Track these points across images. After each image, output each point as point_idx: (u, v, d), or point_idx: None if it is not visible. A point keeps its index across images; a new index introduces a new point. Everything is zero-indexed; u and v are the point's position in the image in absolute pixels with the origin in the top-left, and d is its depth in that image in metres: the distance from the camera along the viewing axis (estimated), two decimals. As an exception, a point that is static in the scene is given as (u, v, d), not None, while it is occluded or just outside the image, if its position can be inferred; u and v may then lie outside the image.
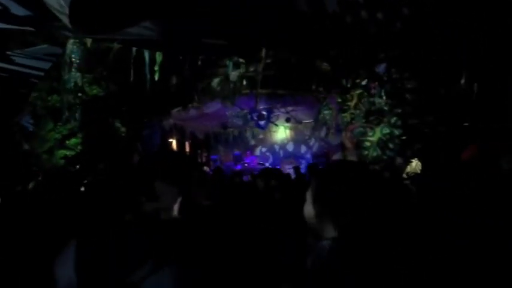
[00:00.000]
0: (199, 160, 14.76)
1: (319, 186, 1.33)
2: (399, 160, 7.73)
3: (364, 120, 8.44)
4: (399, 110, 8.14)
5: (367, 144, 8.30)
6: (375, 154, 8.18)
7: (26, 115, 8.11)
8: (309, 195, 1.33)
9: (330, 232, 1.25)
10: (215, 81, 9.28)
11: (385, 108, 8.26)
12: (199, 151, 14.81)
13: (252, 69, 8.71)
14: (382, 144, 8.22)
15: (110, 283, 1.21)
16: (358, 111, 8.52)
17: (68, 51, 5.60)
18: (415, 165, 7.78)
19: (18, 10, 4.65)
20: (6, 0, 4.43)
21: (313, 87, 9.14)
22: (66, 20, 4.50)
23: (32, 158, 8.54)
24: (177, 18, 3.67)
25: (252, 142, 14.78)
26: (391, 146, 8.14)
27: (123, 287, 1.21)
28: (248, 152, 14.32)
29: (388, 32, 5.71)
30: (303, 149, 14.62)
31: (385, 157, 8.14)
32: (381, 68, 7.83)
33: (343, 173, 1.32)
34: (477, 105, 7.13)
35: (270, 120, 12.15)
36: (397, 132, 8.13)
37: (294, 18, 5.12)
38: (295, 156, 14.40)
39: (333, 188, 1.28)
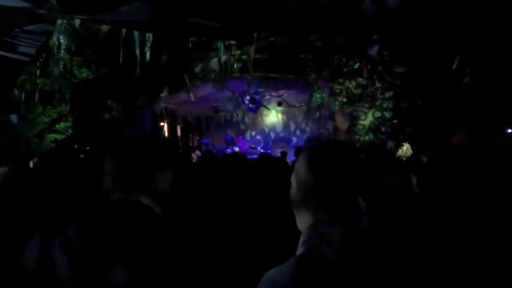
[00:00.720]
0: (191, 144, 14.72)
1: (307, 164, 1.26)
2: (390, 144, 7.75)
3: (356, 104, 8.43)
4: (391, 94, 8.13)
5: (359, 128, 8.30)
6: (366, 138, 8.19)
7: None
8: (293, 178, 1.26)
9: (321, 217, 1.20)
10: (206, 64, 9.18)
11: (377, 91, 8.24)
12: (190, 135, 14.76)
13: (243, 52, 8.62)
14: (374, 128, 8.23)
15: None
16: (350, 95, 8.50)
17: (56, 33, 5.48)
18: (406, 149, 7.81)
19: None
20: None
21: (306, 70, 9.08)
22: (53, 0, 4.41)
23: (21, 141, 8.45)
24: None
25: (243, 126, 14.77)
26: (383, 129, 8.15)
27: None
28: (240, 136, 14.29)
29: (383, 10, 5.66)
30: (294, 131, 14.64)
31: (377, 141, 8.15)
32: (374, 50, 7.79)
33: (334, 150, 1.26)
34: (469, 89, 7.14)
35: (261, 103, 12.10)
36: (388, 115, 8.14)
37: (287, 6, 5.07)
38: (286, 140, 14.42)
39: (322, 165, 1.22)
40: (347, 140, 8.52)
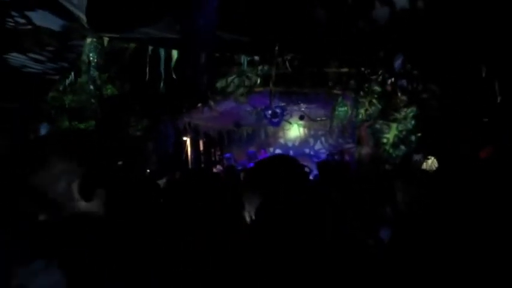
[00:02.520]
0: (213, 158, 14.79)
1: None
2: (417, 157, 7.64)
3: (380, 117, 8.36)
4: (415, 106, 8.05)
5: (384, 141, 8.22)
6: (391, 151, 8.10)
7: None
8: None
9: None
10: (229, 79, 9.26)
11: (401, 104, 8.17)
12: (212, 149, 14.84)
13: (266, 66, 8.66)
14: (398, 141, 8.14)
15: None
16: (373, 108, 8.44)
17: (85, 51, 5.63)
18: (431, 162, 7.69)
19: (33, 8, 4.68)
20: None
21: (328, 84, 9.07)
22: (83, 19, 4.52)
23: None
24: (196, 16, 3.67)
25: (265, 140, 14.77)
26: (407, 143, 8.06)
27: None
28: (262, 150, 14.28)
29: (406, 22, 5.62)
30: (318, 146, 14.57)
31: (401, 154, 8.05)
32: (397, 63, 7.74)
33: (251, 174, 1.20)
34: (497, 101, 7.01)
35: (283, 117, 12.10)
36: (411, 126, 8.05)
37: (309, 19, 5.09)
38: (307, 154, 14.33)
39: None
40: (371, 153, 8.45)
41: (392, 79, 8.01)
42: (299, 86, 9.65)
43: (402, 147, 8.04)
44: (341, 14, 5.46)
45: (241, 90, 9.35)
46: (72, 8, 4.44)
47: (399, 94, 8.11)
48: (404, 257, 2.30)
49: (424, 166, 7.68)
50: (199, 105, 10.06)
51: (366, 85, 8.47)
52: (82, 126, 9.07)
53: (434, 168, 7.43)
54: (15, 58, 5.84)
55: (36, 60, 5.88)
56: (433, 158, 7.66)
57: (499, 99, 6.83)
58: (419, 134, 8.05)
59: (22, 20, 4.88)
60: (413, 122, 8.00)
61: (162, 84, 7.41)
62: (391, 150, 8.10)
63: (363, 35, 6.40)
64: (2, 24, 4.85)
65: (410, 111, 8.01)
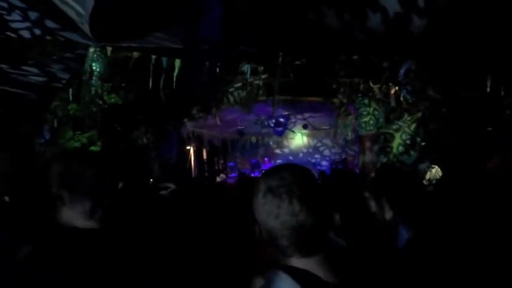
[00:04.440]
0: (216, 167, 14.77)
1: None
2: (422, 166, 7.60)
3: (383, 127, 8.33)
4: (418, 115, 8.01)
5: (387, 150, 8.18)
6: (395, 160, 8.06)
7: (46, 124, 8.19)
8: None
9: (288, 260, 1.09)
10: (232, 88, 9.26)
11: (405, 113, 8.14)
12: (216, 158, 14.83)
13: (269, 75, 8.66)
14: (402, 150, 8.09)
15: None
16: (377, 117, 8.41)
17: (88, 60, 5.63)
18: (435, 171, 7.64)
19: (37, 19, 4.69)
20: (25, 9, 4.47)
21: (332, 93, 9.05)
22: (86, 29, 4.53)
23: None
24: (200, 26, 3.67)
25: (269, 149, 14.75)
26: (411, 152, 8.01)
27: None
28: (266, 159, 14.25)
29: (406, 33, 5.60)
30: (319, 154, 14.54)
31: (406, 163, 8.00)
32: (401, 72, 7.71)
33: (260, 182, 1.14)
34: (502, 110, 6.96)
35: (287, 126, 12.09)
36: (416, 137, 8.00)
37: (314, 25, 5.08)
38: (311, 163, 14.30)
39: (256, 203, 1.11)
40: (374, 161, 8.41)
41: (396, 88, 7.98)
42: (303, 95, 9.64)
43: (406, 156, 7.99)
44: (346, 20, 5.45)
45: (244, 98, 9.34)
46: (75, 18, 4.45)
47: (403, 103, 8.08)
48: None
49: (428, 175, 7.64)
50: (203, 114, 10.06)
51: (370, 94, 8.45)
52: (85, 135, 9.09)
53: (438, 177, 7.39)
54: (19, 68, 5.86)
55: (40, 70, 5.89)
56: (437, 167, 7.62)
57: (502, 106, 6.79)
58: (423, 143, 8.01)
59: (26, 30, 4.90)
60: (416, 130, 7.96)
61: (165, 93, 7.40)
62: (395, 160, 8.05)
63: (367, 43, 6.39)
64: (5, 34, 4.86)
65: (413, 120, 7.97)
